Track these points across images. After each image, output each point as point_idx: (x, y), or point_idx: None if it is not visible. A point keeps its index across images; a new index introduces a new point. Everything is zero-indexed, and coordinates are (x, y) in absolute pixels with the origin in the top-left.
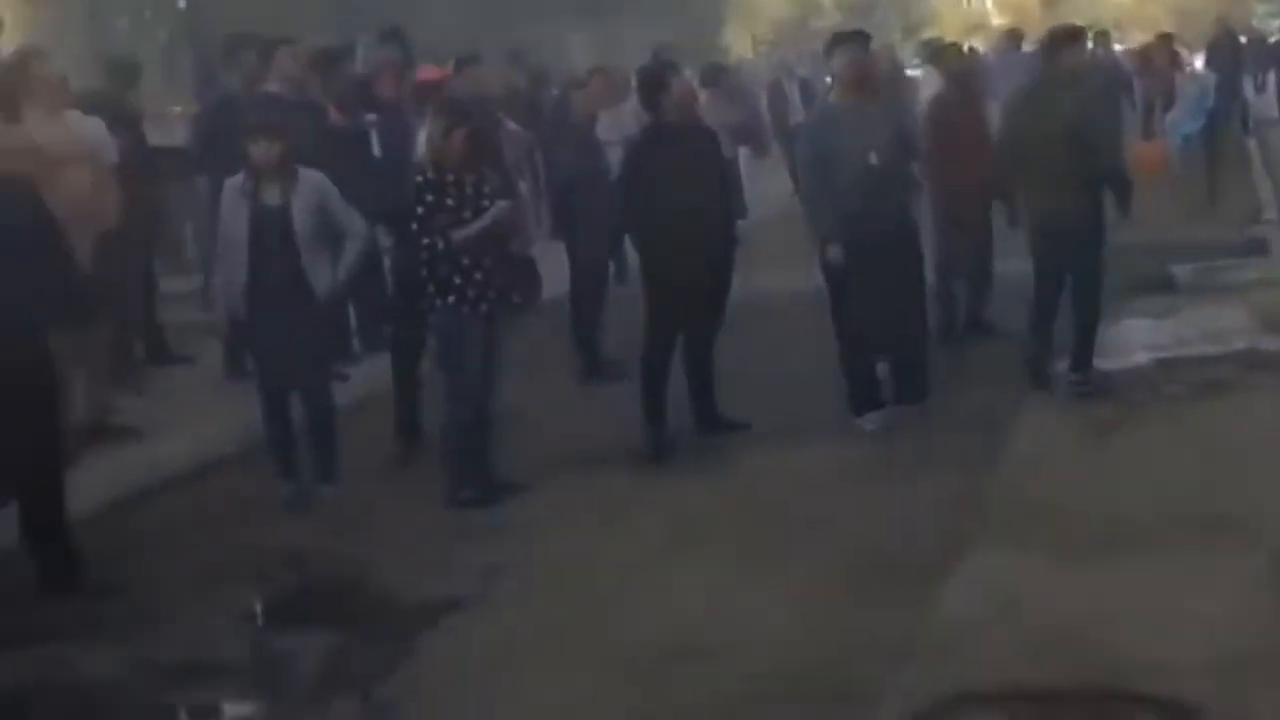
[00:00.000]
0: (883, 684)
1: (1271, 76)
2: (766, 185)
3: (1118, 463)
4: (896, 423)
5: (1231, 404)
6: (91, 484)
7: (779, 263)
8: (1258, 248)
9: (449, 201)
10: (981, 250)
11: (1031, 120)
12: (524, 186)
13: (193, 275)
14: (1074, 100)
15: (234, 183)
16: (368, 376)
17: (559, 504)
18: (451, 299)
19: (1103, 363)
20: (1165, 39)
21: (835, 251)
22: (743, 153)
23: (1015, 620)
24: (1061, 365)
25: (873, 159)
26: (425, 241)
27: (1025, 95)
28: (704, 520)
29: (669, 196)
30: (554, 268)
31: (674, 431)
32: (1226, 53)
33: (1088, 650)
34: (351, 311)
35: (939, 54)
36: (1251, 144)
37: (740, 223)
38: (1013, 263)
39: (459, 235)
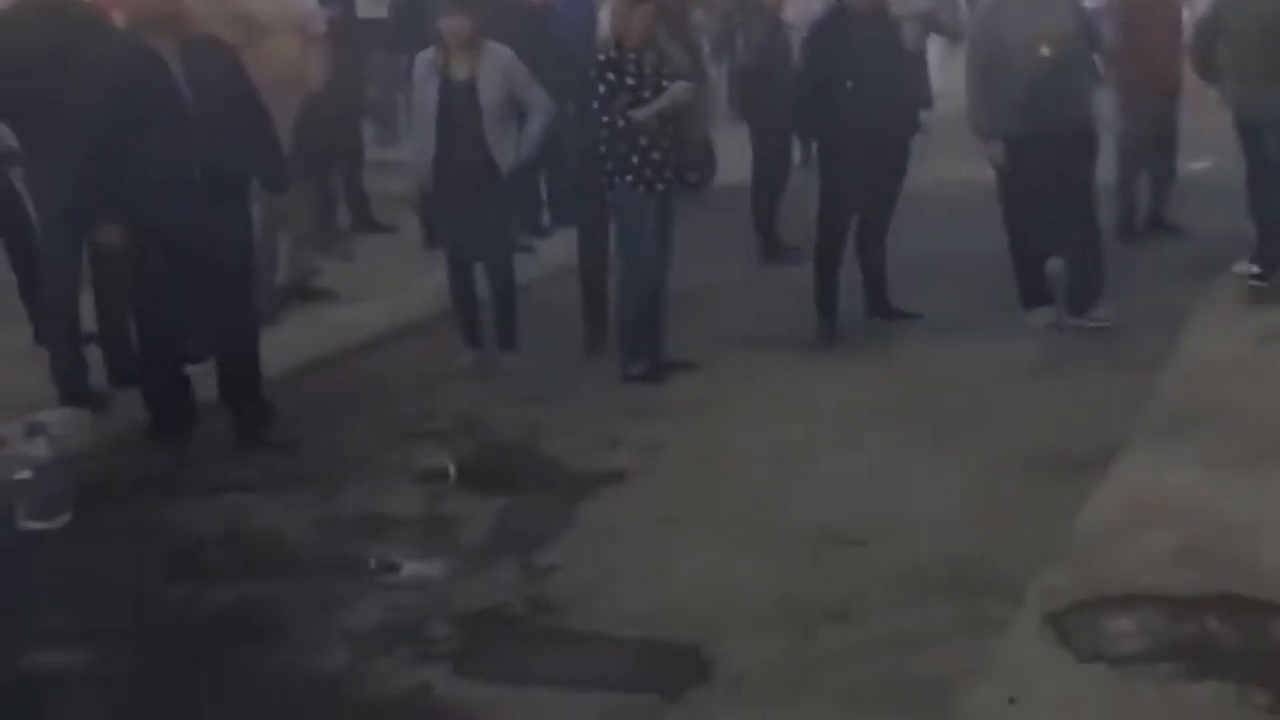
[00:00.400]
0: (1027, 581)
1: None
2: (959, 74)
3: None
4: (1065, 321)
5: None
6: (289, 344)
7: (963, 153)
8: None
9: (629, 80)
10: (1166, 146)
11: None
12: (712, 70)
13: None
14: None
15: (425, 56)
16: (557, 249)
17: (727, 384)
18: (629, 178)
19: None
20: None
21: (996, 148)
22: (937, 41)
23: (1165, 524)
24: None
25: (1044, 50)
26: (605, 120)
27: None
28: (868, 407)
29: (846, 82)
30: (739, 151)
31: (845, 319)
32: None
33: (1235, 559)
34: (543, 185)
35: None
36: None
37: (925, 112)
38: (1201, 163)
39: (638, 115)
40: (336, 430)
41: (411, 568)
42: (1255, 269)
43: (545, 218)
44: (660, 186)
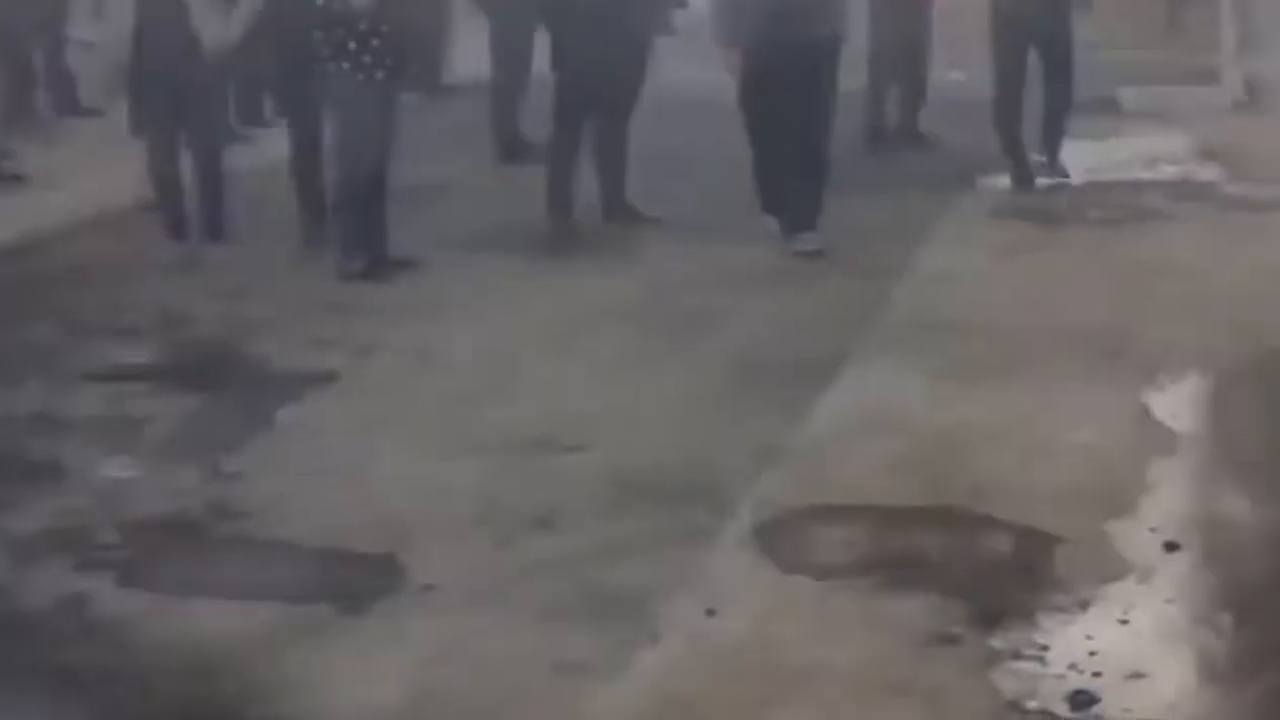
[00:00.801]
0: (742, 491)
1: None
2: None
3: (1027, 284)
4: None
5: (1155, 232)
6: None
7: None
8: (1209, 77)
9: None
10: (917, 55)
11: None
12: None
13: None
14: None
15: None
16: (280, 143)
17: (450, 285)
18: (346, 65)
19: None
20: None
21: (734, 56)
22: None
23: (886, 435)
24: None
25: None
26: (320, 4)
27: None
28: (596, 311)
29: None
30: (478, 47)
31: (582, 222)
32: None
33: (954, 471)
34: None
35: None
36: None
37: (681, 11)
38: (953, 74)
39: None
40: (19, 325)
41: (85, 470)
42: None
43: (267, 108)
44: (380, 75)
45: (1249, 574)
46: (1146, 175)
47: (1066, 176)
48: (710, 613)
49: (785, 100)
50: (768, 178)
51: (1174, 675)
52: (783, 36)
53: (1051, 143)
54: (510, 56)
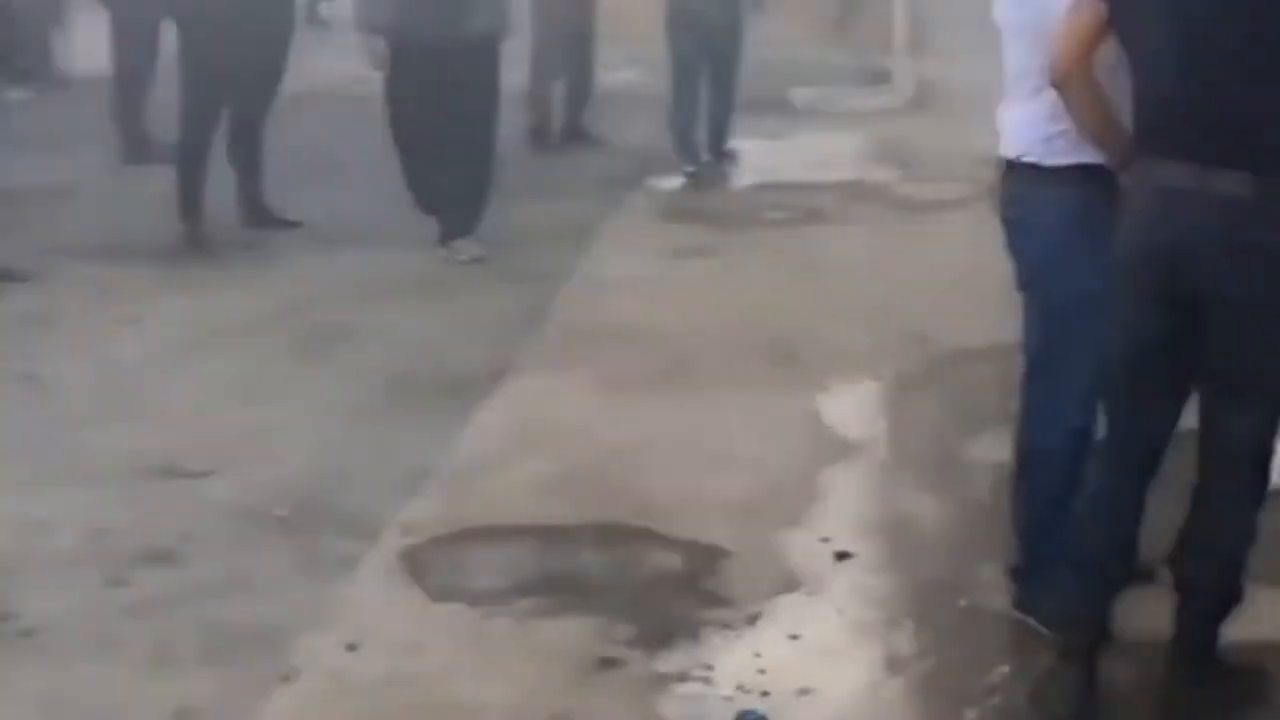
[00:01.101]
0: (386, 515)
1: None
2: None
3: (697, 289)
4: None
5: (827, 234)
6: None
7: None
8: (881, 77)
9: None
10: (582, 51)
11: None
12: None
13: None
14: None
15: None
16: None
17: (65, 299)
18: None
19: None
20: None
21: (377, 47)
22: None
23: (548, 451)
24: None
25: None
26: None
27: None
28: (228, 327)
29: None
30: (98, 37)
31: (215, 227)
32: None
33: (617, 486)
34: None
35: None
36: None
37: (325, 4)
38: (623, 74)
39: None
40: None
41: None
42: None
43: None
44: None
45: (920, 580)
46: (820, 176)
47: (733, 164)
48: (351, 648)
49: (435, 96)
50: (419, 179)
51: (843, 690)
52: (432, 26)
53: (717, 140)
54: (134, 47)
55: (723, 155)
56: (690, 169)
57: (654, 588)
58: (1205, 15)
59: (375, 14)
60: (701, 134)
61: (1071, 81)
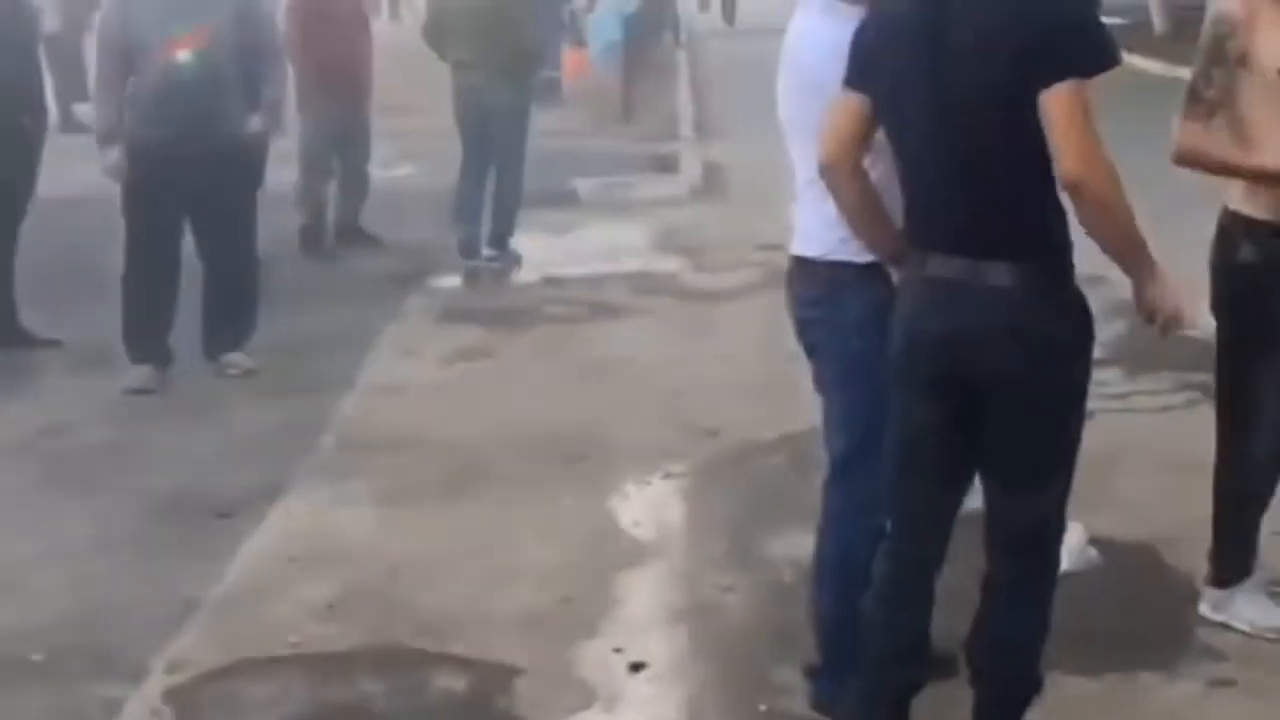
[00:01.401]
0: (151, 652)
1: None
2: None
3: (481, 392)
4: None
5: (614, 328)
6: None
7: None
8: (668, 164)
9: None
10: (355, 149)
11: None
12: None
13: None
14: None
15: None
16: None
17: None
18: None
19: (485, 279)
20: None
21: (113, 156)
22: None
23: (325, 572)
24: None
25: (180, 52)
26: None
27: None
28: None
29: None
30: None
31: None
32: None
33: (398, 605)
34: None
35: None
36: (681, 57)
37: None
38: (402, 170)
39: None
40: None
41: None
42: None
43: None
44: None
45: (718, 686)
46: (605, 269)
47: (517, 263)
48: None
49: (180, 206)
50: (144, 304)
51: None
52: (172, 131)
53: (503, 231)
54: None
55: (507, 248)
56: (473, 263)
57: (441, 713)
58: (960, 108)
59: (113, 120)
60: (486, 226)
61: (838, 174)
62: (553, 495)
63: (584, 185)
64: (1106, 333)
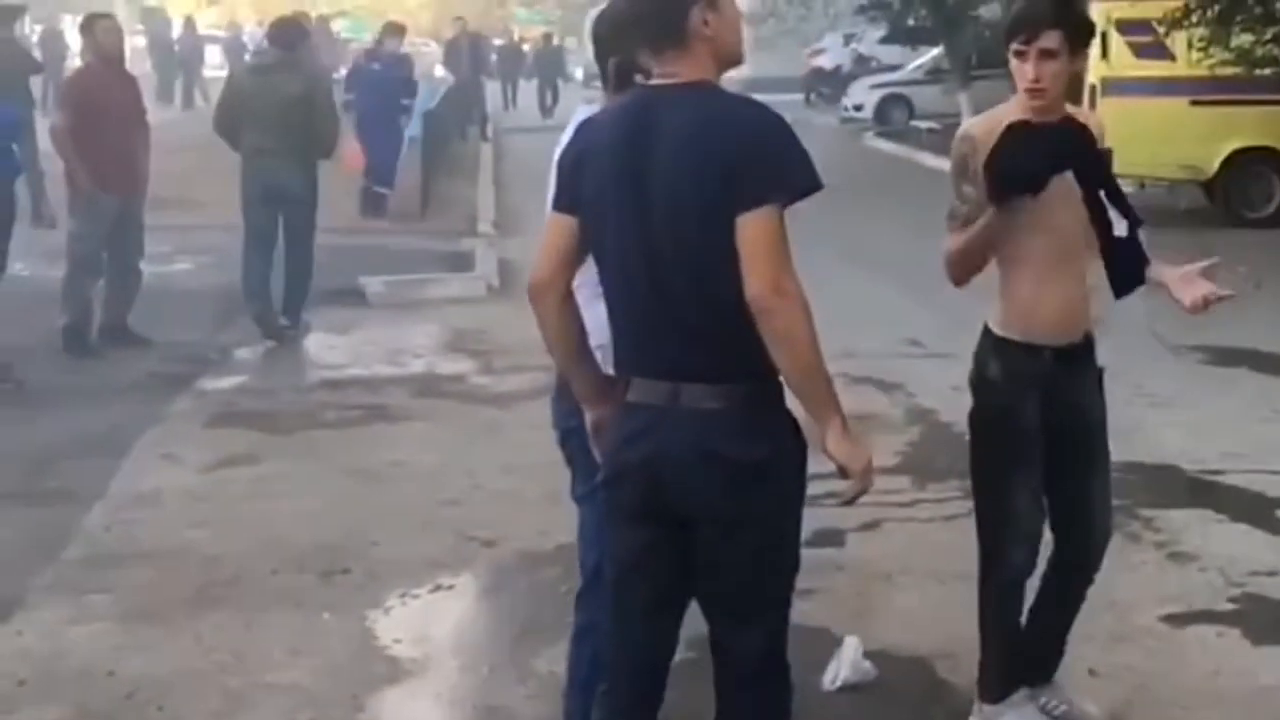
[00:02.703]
0: None
1: (529, 84)
2: None
3: (243, 501)
4: None
5: (391, 434)
6: None
7: None
8: (463, 262)
9: None
10: (127, 243)
11: (259, 91)
12: None
13: None
14: (300, 79)
15: None
16: None
17: None
18: None
19: (259, 381)
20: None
21: None
22: None
23: (57, 695)
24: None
25: None
26: None
27: (254, 68)
28: None
29: None
30: None
31: None
32: (465, 55)
33: None
34: None
35: (88, 24)
36: (488, 151)
37: None
38: (178, 265)
39: None
40: None
41: None
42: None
43: None
44: None
45: None
46: (388, 371)
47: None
48: None
49: None
50: None
51: None
52: None
53: (295, 307)
54: None
55: (300, 320)
56: (271, 335)
57: None
58: (660, 233)
59: None
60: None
61: (545, 297)
62: (309, 611)
63: (373, 283)
64: (898, 441)
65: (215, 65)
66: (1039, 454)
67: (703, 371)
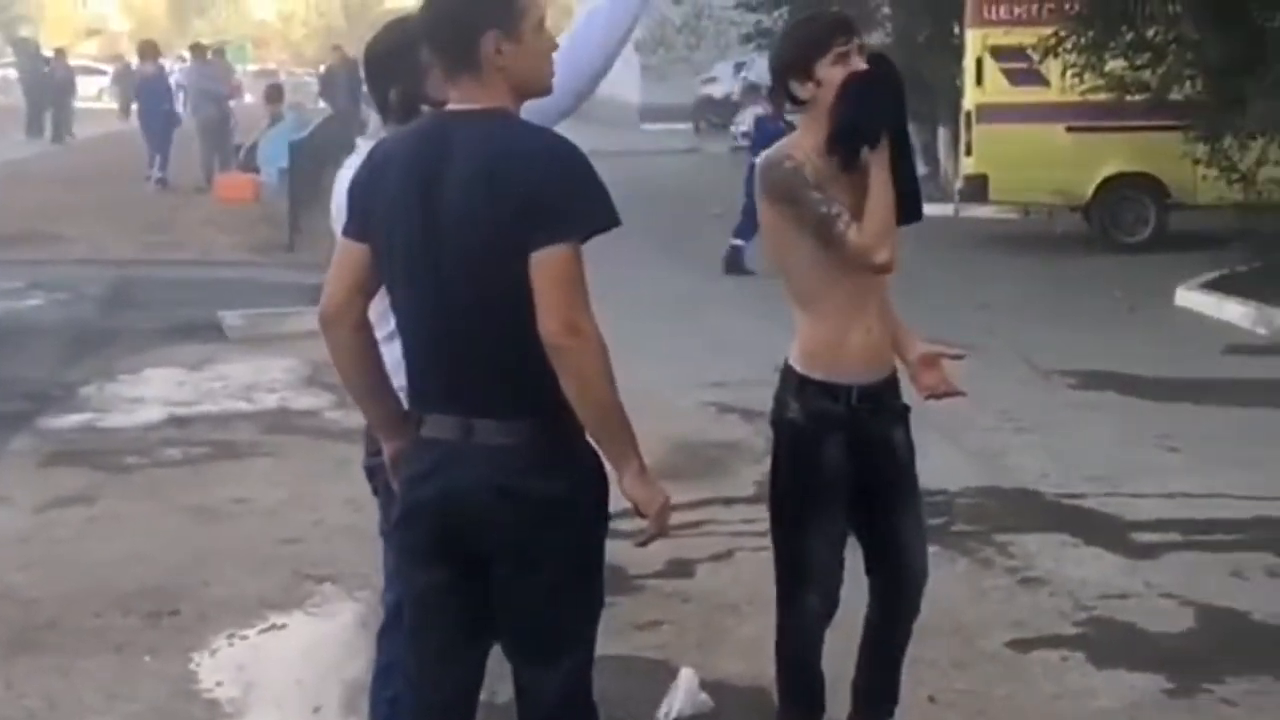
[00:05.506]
0: None
1: None
2: None
3: (73, 540)
4: None
5: (235, 471)
6: None
7: None
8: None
9: None
10: None
11: None
12: None
13: None
14: None
15: None
16: None
17: None
18: None
19: (103, 419)
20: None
21: None
22: None
23: None
24: None
25: None
26: None
27: None
28: None
29: None
30: None
31: None
32: (342, 85)
33: None
34: None
35: None
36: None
37: None
38: (27, 301)
39: None
40: None
41: None
42: None
43: None
44: None
45: None
46: (239, 406)
47: None
48: None
49: None
50: None
51: None
52: None
53: None
54: None
55: None
56: None
57: None
58: (452, 265)
59: None
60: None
61: (337, 326)
62: (131, 654)
63: (230, 317)
64: (758, 470)
65: (89, 96)
66: (841, 498)
67: (496, 407)
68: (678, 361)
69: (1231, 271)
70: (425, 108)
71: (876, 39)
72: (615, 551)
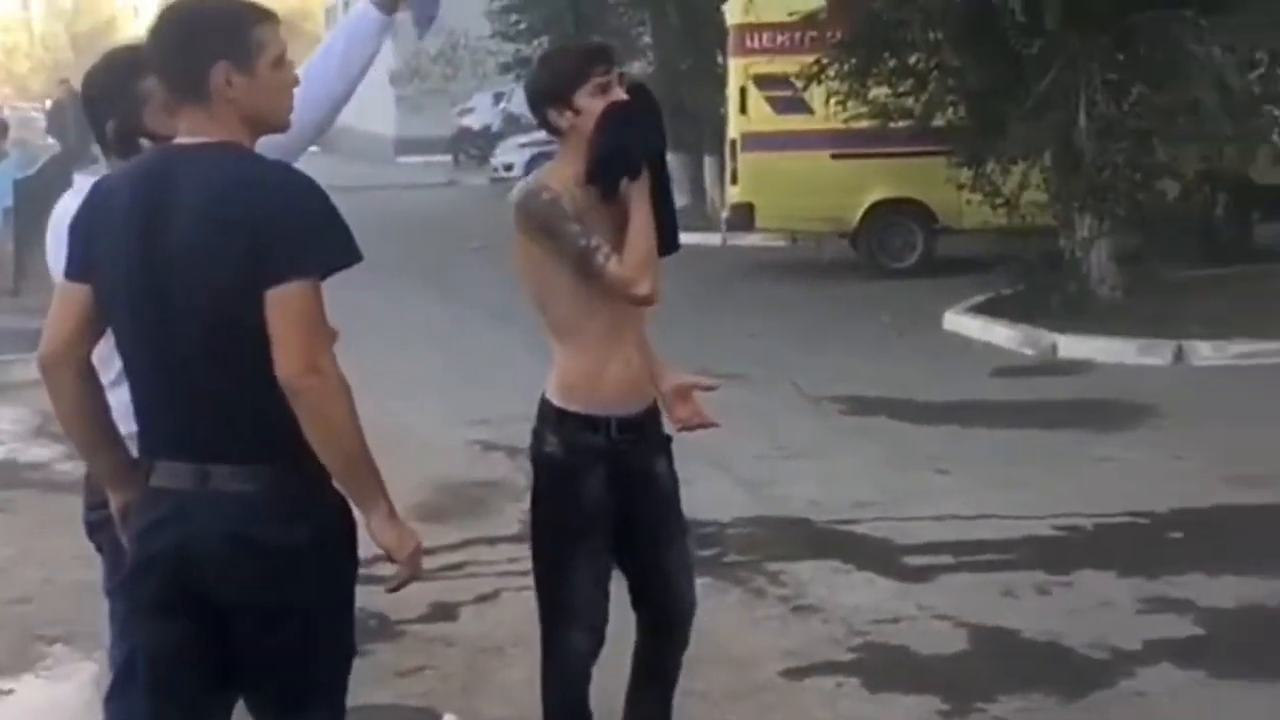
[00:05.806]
0: None
1: None
2: None
3: None
4: None
5: None
6: None
7: None
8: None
9: None
10: None
11: None
12: None
13: None
14: None
15: None
16: None
17: None
18: None
19: None
20: None
21: None
22: None
23: None
24: None
25: None
26: None
27: None
28: None
29: None
30: None
31: None
32: (70, 120)
33: None
34: None
35: None
36: None
37: None
38: None
39: None
40: None
41: None
42: None
43: None
44: None
45: None
46: None
47: None
48: None
49: None
50: None
51: None
52: None
53: None
54: None
55: None
56: None
57: None
58: (179, 304)
59: None
60: None
61: (57, 371)
62: None
63: None
64: (521, 508)
65: None
66: (605, 532)
67: (233, 451)
68: (440, 398)
69: (998, 294)
70: (145, 142)
71: (638, 68)
72: (375, 597)
